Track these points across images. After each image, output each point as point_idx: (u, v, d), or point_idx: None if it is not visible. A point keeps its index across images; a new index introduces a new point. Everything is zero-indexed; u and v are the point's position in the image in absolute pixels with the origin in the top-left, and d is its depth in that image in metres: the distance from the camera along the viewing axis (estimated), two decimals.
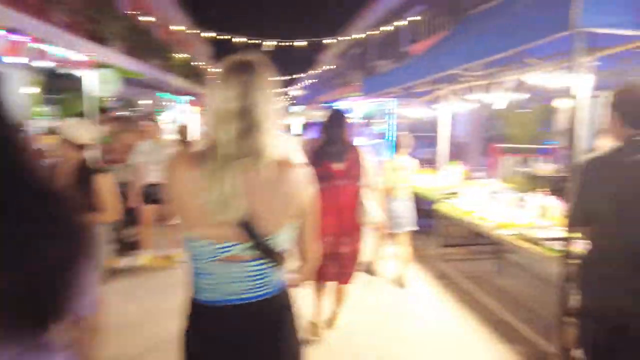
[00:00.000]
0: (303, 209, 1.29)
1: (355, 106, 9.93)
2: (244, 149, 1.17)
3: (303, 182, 1.28)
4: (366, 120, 9.75)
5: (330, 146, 3.02)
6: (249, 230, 1.17)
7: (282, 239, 1.24)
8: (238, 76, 1.19)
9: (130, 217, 4.71)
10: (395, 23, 14.29)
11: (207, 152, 1.19)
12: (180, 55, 16.06)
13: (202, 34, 14.20)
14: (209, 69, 22.85)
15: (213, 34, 11.76)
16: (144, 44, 11.84)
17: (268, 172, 1.19)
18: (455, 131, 8.64)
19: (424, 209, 4.92)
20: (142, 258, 4.89)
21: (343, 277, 3.20)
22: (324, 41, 11.90)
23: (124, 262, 4.78)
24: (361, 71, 18.35)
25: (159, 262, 4.87)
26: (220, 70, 1.24)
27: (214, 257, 1.20)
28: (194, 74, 19.68)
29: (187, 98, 10.22)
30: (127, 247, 5.00)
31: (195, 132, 10.13)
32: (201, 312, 1.27)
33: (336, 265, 3.07)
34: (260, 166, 1.18)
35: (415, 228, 4.55)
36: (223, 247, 1.19)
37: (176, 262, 4.82)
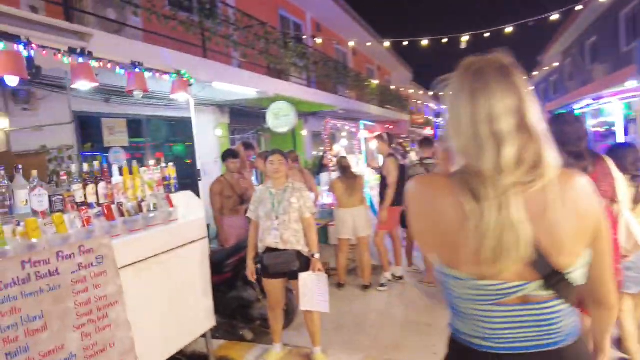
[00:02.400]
0: (598, 230, 1.04)
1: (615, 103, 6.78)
2: (524, 166, 0.98)
3: (593, 195, 1.04)
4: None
5: (570, 158, 2.38)
6: (542, 264, 0.98)
7: (580, 272, 1.02)
8: (498, 82, 1.00)
9: None
10: None
11: (465, 175, 1.01)
12: (375, 82, 15.16)
13: (385, 43, 12.72)
14: (409, 92, 21.62)
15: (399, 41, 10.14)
16: (334, 73, 11.20)
17: (553, 189, 0.99)
18: None
19: None
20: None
21: None
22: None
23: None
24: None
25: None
26: (462, 79, 1.06)
27: (493, 298, 1.01)
28: (393, 100, 18.67)
29: (366, 124, 9.08)
30: None
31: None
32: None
33: None
34: (545, 183, 0.98)
35: None
36: (507, 288, 1.00)
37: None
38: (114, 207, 2.84)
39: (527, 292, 1.00)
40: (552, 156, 1.00)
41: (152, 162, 3.21)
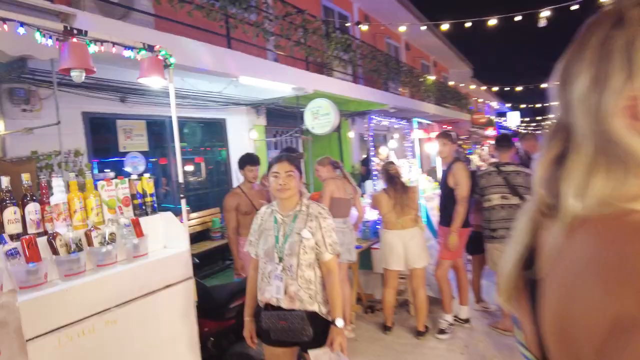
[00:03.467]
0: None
1: None
2: None
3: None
4: None
5: None
6: None
7: None
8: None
9: None
10: None
11: None
12: (432, 77, 13.77)
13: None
14: (470, 88, 19.86)
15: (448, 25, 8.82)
16: (384, 68, 10.05)
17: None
18: None
19: None
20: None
21: None
22: None
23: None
24: None
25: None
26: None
27: None
28: (451, 98, 17.11)
29: (420, 122, 7.84)
30: None
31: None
32: None
33: None
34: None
35: None
36: None
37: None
38: (42, 240, 1.96)
39: None
40: None
41: (111, 174, 2.31)
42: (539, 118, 31.94)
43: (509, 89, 18.61)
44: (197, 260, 3.05)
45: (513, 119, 29.32)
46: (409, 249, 3.79)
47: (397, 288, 4.08)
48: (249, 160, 4.05)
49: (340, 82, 7.98)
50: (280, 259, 2.08)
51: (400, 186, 3.90)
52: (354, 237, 4.02)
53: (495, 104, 31.02)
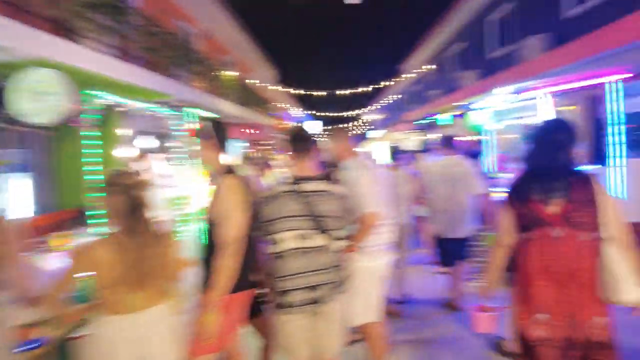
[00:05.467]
0: None
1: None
2: None
3: None
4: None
5: (541, 176, 2.02)
6: None
7: None
8: None
9: None
10: None
11: None
12: (230, 73, 12.22)
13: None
14: (275, 94, 19.18)
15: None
16: (168, 51, 7.97)
17: None
18: None
19: None
20: None
21: None
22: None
23: None
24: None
25: None
26: None
27: None
28: (256, 101, 15.97)
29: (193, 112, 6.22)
30: None
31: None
32: None
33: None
34: None
35: None
36: None
37: None
38: None
39: None
40: None
41: None
42: (340, 126, 34.13)
43: (308, 94, 18.56)
44: None
45: (315, 127, 30.41)
46: (140, 344, 1.95)
47: None
48: None
49: (95, 54, 5.59)
50: None
51: (141, 223, 2.03)
52: None
53: (299, 112, 31.73)
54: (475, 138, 11.89)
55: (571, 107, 9.30)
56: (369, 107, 32.79)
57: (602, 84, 6.28)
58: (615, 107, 6.02)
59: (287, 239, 2.23)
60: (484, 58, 13.63)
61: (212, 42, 13.86)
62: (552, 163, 2.03)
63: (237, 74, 13.28)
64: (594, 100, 8.37)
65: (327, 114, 28.60)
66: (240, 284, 2.18)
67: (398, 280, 4.45)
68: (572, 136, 2.11)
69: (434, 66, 19.30)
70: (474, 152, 5.84)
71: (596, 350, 1.94)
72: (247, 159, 5.02)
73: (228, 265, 2.07)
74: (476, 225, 4.61)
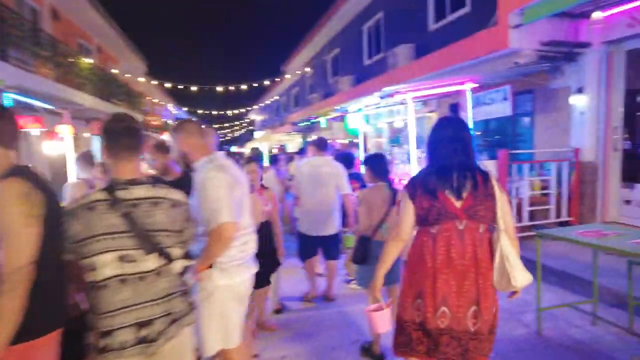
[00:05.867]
0: None
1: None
2: None
3: None
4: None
5: (449, 171, 2.09)
6: None
7: None
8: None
9: None
10: None
11: None
12: (88, 60, 10.77)
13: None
14: (143, 87, 17.56)
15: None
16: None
17: None
18: None
19: None
20: None
21: None
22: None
23: None
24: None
25: None
26: None
27: None
28: (121, 94, 14.42)
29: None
30: None
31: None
32: None
33: (458, 349, 2.05)
34: None
35: None
36: None
37: None
38: None
39: None
40: None
41: None
42: (216, 126, 32.83)
43: (182, 88, 17.39)
44: None
45: None
46: None
47: None
48: None
49: None
50: None
51: None
52: None
53: (172, 108, 29.82)
54: (350, 140, 12.34)
55: (432, 114, 10.14)
56: (253, 106, 32.24)
57: (459, 91, 6.82)
58: (469, 114, 6.60)
59: (107, 264, 1.72)
60: (362, 64, 14.22)
61: (63, 23, 12.09)
62: (458, 159, 2.11)
63: (96, 62, 11.79)
64: (452, 107, 9.21)
65: (206, 111, 27.28)
66: (43, 325, 1.65)
67: (274, 289, 4.20)
68: (470, 132, 2.22)
69: (310, 69, 19.64)
70: (346, 154, 5.89)
71: (487, 335, 2.09)
72: (88, 156, 4.28)
73: (6, 305, 1.51)
74: (340, 225, 4.71)
